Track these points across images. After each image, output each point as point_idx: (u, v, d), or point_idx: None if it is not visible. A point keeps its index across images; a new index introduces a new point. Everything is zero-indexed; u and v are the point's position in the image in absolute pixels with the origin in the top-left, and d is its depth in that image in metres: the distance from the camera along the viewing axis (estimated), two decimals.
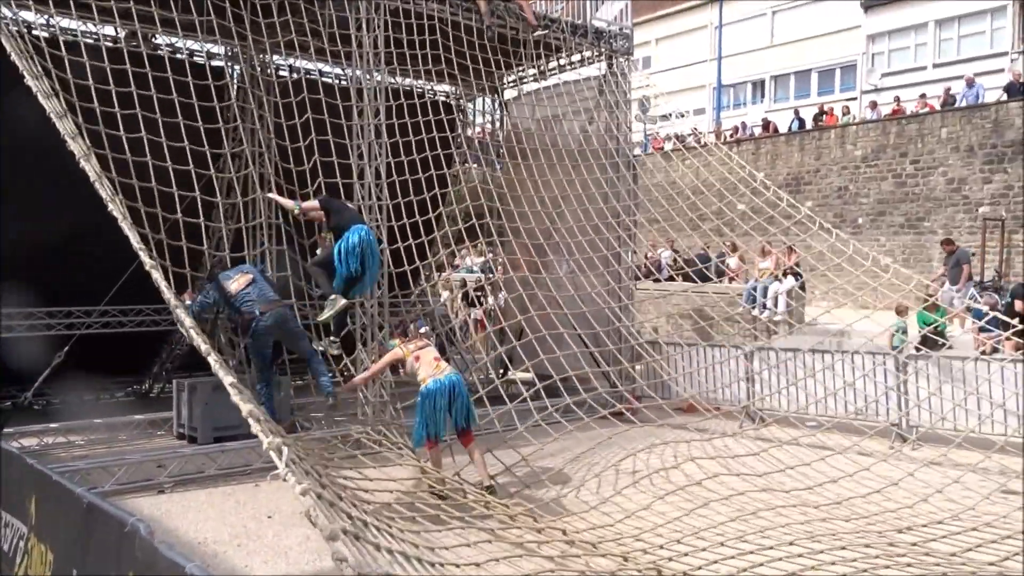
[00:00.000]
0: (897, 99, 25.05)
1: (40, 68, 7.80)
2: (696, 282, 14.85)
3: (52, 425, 10.07)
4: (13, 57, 7.46)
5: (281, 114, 10.42)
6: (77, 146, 6.96)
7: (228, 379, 4.85)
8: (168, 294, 6.13)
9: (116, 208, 6.60)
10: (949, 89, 23.34)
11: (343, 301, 8.47)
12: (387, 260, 10.19)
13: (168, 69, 9.31)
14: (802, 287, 14.12)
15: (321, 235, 9.44)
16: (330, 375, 8.55)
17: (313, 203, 8.85)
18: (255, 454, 8.72)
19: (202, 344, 5.36)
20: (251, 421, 4.34)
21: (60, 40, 8.59)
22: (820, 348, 11.11)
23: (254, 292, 7.93)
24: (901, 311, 11.82)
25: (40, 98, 7.24)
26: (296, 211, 8.95)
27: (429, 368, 7.89)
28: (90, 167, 6.82)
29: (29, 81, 7.34)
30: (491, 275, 14.66)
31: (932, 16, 28.00)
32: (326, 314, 8.56)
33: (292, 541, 6.65)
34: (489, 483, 7.68)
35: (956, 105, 21.97)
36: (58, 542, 4.23)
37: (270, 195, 9.67)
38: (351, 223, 8.43)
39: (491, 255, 14.01)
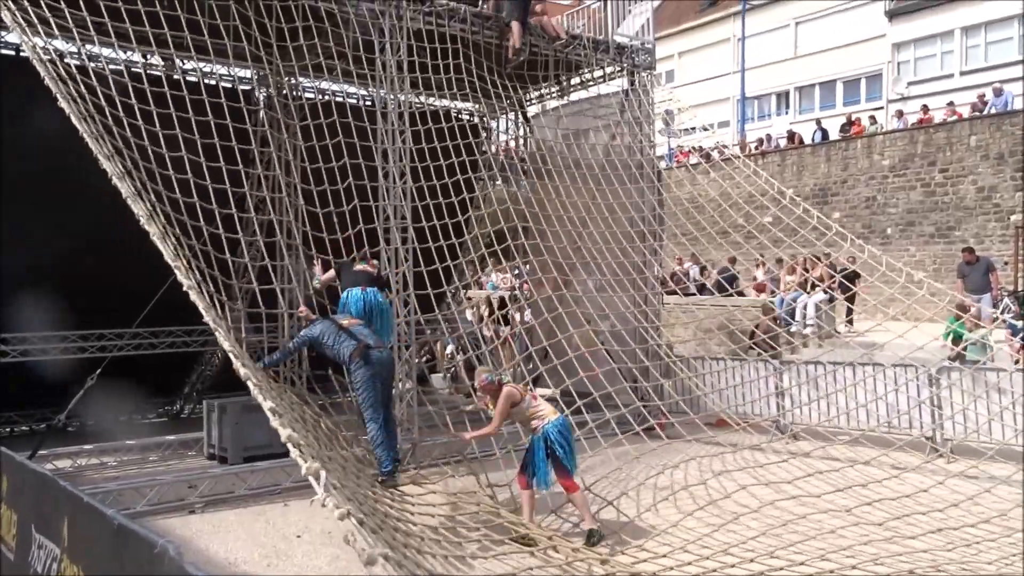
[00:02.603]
0: (925, 108, 24.80)
1: (92, 105, 7.81)
2: (728, 294, 14.75)
3: (85, 447, 10.21)
4: (60, 101, 7.49)
5: (311, 136, 10.52)
6: (125, 186, 6.98)
7: (267, 404, 4.86)
8: (208, 315, 6.10)
9: (158, 231, 6.61)
10: (983, 96, 23.06)
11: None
12: (411, 280, 10.25)
13: (192, 95, 9.41)
14: (831, 300, 13.95)
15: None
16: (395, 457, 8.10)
17: (329, 274, 9.00)
18: (284, 474, 8.78)
19: (241, 368, 5.37)
20: (290, 446, 4.38)
21: (90, 68, 8.73)
22: (850, 361, 10.98)
23: (365, 330, 7.85)
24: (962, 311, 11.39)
25: (87, 139, 7.26)
26: (317, 285, 9.04)
27: (549, 405, 7.50)
28: (139, 208, 6.78)
29: (76, 122, 7.37)
30: (517, 293, 14.67)
31: (958, 23, 27.75)
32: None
33: (321, 561, 6.68)
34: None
35: (985, 113, 21.71)
36: (90, 564, 4.27)
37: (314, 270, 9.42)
38: (348, 287, 8.49)
39: (516, 275, 14.01)
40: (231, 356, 5.69)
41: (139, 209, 6.76)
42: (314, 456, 4.91)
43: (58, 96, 7.50)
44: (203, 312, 6.11)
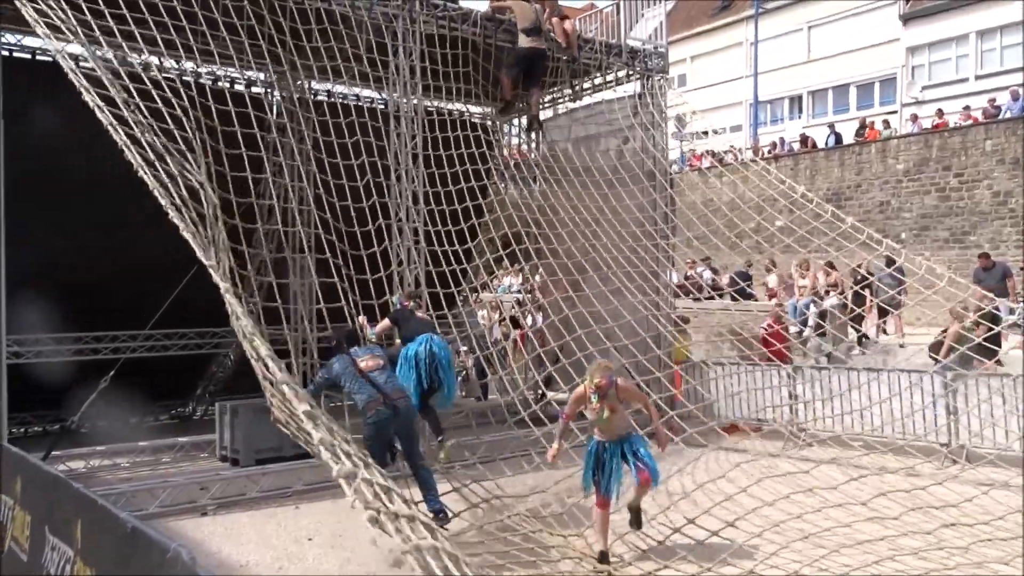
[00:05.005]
0: (940, 112, 24.64)
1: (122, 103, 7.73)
2: (738, 300, 14.70)
3: (98, 448, 10.26)
4: (90, 102, 7.44)
5: (326, 136, 10.54)
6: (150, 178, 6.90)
7: (302, 407, 4.78)
8: (241, 322, 5.89)
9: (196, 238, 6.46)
10: (994, 100, 22.89)
11: (450, 443, 8.29)
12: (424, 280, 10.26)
13: (208, 97, 9.42)
14: (844, 307, 13.84)
15: (396, 342, 9.09)
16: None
17: (383, 324, 8.61)
18: (296, 476, 8.80)
19: (278, 372, 5.24)
20: (321, 448, 4.33)
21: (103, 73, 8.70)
22: (864, 367, 10.92)
23: (382, 376, 7.22)
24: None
25: (114, 134, 7.19)
26: (373, 338, 8.55)
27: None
28: (179, 220, 6.65)
29: (101, 117, 7.31)
30: (529, 296, 14.65)
31: (973, 27, 27.54)
32: (440, 456, 8.33)
33: (332, 564, 6.67)
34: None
35: (1001, 117, 21.55)
36: (102, 566, 4.27)
37: (361, 320, 9.00)
38: (415, 334, 8.15)
39: (527, 279, 13.99)
40: (263, 362, 5.42)
41: (166, 201, 6.65)
42: (343, 458, 4.83)
43: (88, 100, 7.46)
44: (236, 319, 5.88)
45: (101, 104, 7.29)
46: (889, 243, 10.87)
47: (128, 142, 7.00)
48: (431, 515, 7.04)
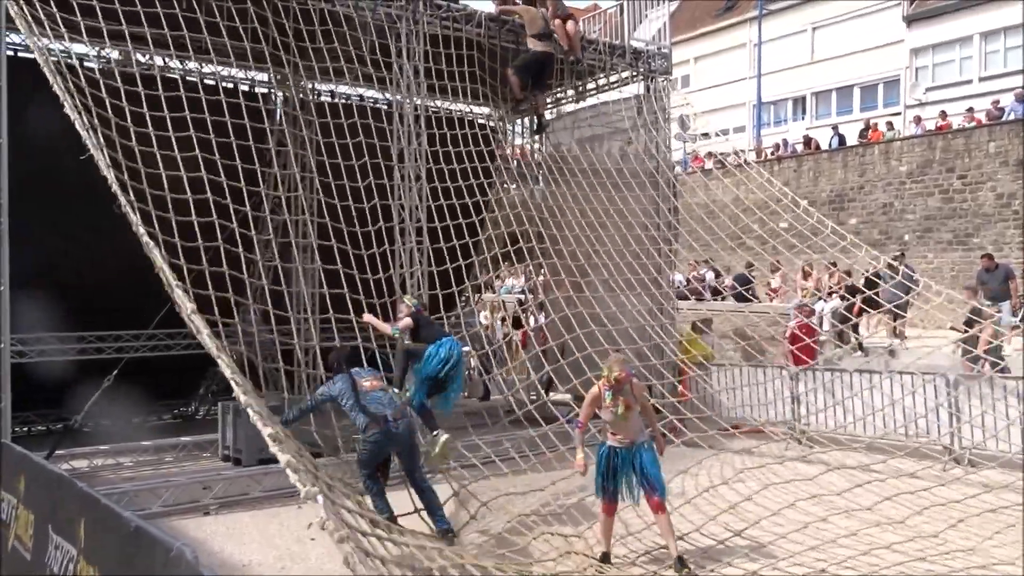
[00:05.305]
0: (943, 113, 24.61)
1: (98, 118, 7.78)
2: (747, 300, 14.68)
3: (102, 447, 10.27)
4: (66, 107, 7.50)
5: (324, 140, 10.55)
6: (123, 194, 7.00)
7: (267, 430, 4.82)
8: (195, 322, 5.95)
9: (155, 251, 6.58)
10: (997, 102, 22.87)
11: (445, 436, 8.02)
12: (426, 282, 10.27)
13: (207, 97, 9.43)
14: (848, 309, 13.84)
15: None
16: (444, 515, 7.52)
17: (407, 321, 8.45)
18: None
19: (238, 388, 5.31)
20: (288, 471, 4.38)
21: (98, 71, 8.73)
22: (866, 369, 10.91)
23: (385, 397, 7.33)
24: None
25: (92, 149, 7.29)
26: (396, 335, 8.46)
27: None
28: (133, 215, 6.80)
29: (82, 131, 7.39)
30: (532, 295, 14.65)
31: (977, 28, 27.53)
32: (436, 451, 8.06)
33: (335, 563, 6.61)
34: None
35: (1005, 119, 21.54)
36: (105, 565, 4.28)
37: (366, 318, 8.89)
38: (438, 336, 8.22)
39: (531, 277, 14.01)
40: (232, 382, 5.47)
41: (135, 217, 6.77)
42: (313, 481, 4.84)
43: (65, 104, 7.53)
44: (196, 328, 5.94)
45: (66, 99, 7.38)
46: (885, 259, 10.92)
47: (90, 136, 7.08)
48: (438, 534, 7.12)
